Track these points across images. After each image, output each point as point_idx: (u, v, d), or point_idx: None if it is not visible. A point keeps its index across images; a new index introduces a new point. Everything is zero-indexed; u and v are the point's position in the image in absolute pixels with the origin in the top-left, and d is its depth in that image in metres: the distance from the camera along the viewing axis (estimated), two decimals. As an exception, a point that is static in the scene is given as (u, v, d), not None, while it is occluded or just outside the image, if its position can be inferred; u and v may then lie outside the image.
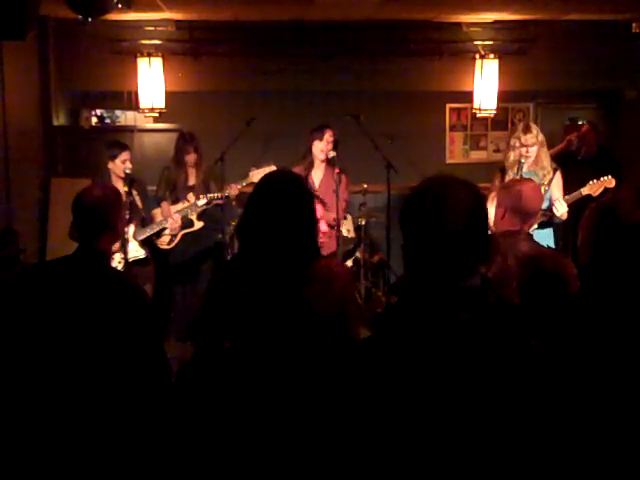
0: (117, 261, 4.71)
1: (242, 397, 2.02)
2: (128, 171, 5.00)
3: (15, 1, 4.00)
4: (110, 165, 5.11)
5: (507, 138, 4.88)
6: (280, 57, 6.85)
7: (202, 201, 5.23)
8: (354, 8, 5.94)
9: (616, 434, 2.11)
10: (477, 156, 7.47)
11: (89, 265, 2.60)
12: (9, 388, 2.52)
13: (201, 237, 5.53)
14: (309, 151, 5.31)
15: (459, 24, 6.94)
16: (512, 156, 4.67)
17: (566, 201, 4.54)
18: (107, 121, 7.91)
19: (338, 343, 2.17)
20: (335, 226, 5.03)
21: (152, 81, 6.49)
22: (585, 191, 4.54)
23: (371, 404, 1.43)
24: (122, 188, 4.90)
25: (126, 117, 7.81)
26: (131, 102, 6.72)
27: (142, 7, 5.53)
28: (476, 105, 6.89)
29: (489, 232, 1.54)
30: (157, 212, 5.37)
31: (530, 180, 3.64)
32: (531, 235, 3.43)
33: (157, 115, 6.63)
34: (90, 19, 4.43)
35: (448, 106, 7.39)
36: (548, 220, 4.43)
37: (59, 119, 6.89)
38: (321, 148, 5.22)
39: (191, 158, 5.42)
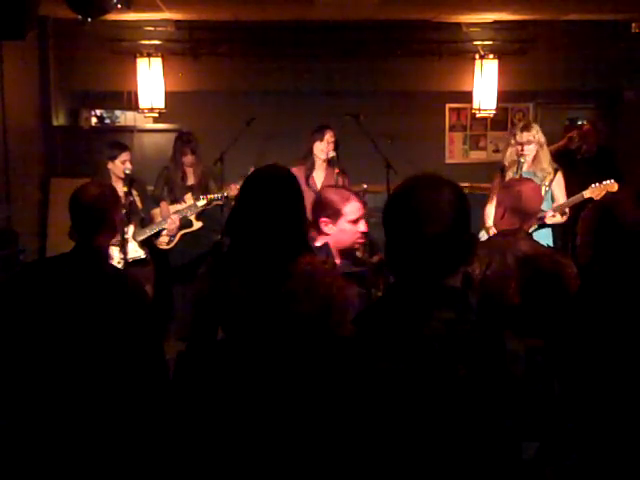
0: (116, 261, 4.71)
1: (235, 387, 2.04)
2: (128, 172, 5.00)
3: (15, 1, 4.00)
4: (110, 165, 5.12)
5: (507, 138, 4.90)
6: (280, 57, 6.84)
7: (202, 202, 5.23)
8: (354, 8, 5.94)
9: (616, 433, 2.12)
10: (476, 156, 7.47)
11: (87, 263, 2.60)
12: (6, 386, 2.52)
13: (200, 237, 5.54)
14: (310, 152, 5.31)
15: (459, 24, 6.94)
16: (509, 154, 4.69)
17: (567, 204, 4.54)
18: (107, 121, 7.91)
19: (319, 340, 2.16)
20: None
21: (152, 81, 6.49)
22: (587, 194, 4.51)
23: (347, 398, 1.44)
24: (122, 188, 4.90)
25: (126, 117, 7.80)
26: (131, 102, 6.72)
27: (142, 7, 5.53)
28: (476, 105, 6.89)
29: (472, 232, 1.54)
30: (156, 212, 5.37)
31: (530, 180, 3.64)
32: (530, 234, 3.44)
33: (157, 115, 6.64)
34: (90, 19, 4.43)
35: (448, 106, 7.39)
36: (542, 222, 4.42)
37: (59, 119, 6.90)
38: (322, 148, 5.23)
39: (188, 159, 5.45)
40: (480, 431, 1.36)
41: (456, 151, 7.50)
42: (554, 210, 4.52)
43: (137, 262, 5.02)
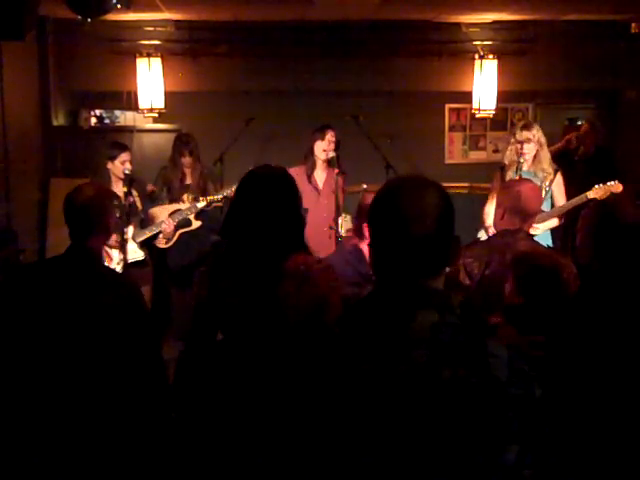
0: (116, 262, 4.71)
1: (233, 387, 2.04)
2: (128, 172, 4.99)
3: (15, 1, 4.00)
4: (109, 166, 5.12)
5: (507, 138, 4.90)
6: (280, 57, 6.85)
7: (202, 203, 5.24)
8: (354, 8, 5.94)
9: (616, 432, 2.12)
10: (476, 156, 7.47)
11: (81, 264, 2.60)
12: (3, 389, 2.52)
13: (199, 236, 5.53)
14: (311, 151, 5.31)
15: (458, 24, 6.94)
16: (509, 153, 4.69)
17: (570, 205, 4.52)
18: (106, 121, 7.91)
19: (314, 339, 2.16)
20: (334, 226, 5.03)
21: (151, 81, 6.49)
22: (591, 195, 4.48)
23: (331, 400, 1.44)
24: (122, 189, 4.90)
25: (125, 117, 7.80)
26: (130, 102, 6.71)
27: (141, 7, 5.53)
28: (475, 105, 6.89)
29: (455, 234, 1.54)
30: (154, 211, 5.36)
31: (529, 180, 3.64)
32: (530, 234, 3.43)
33: (156, 115, 6.64)
34: (89, 19, 4.43)
35: (447, 106, 7.39)
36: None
37: (58, 119, 6.89)
38: (323, 148, 5.22)
39: (186, 161, 5.46)
40: (463, 434, 1.36)
41: (456, 151, 7.50)
42: (555, 214, 4.50)
43: (136, 263, 5.02)
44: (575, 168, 6.20)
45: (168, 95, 6.58)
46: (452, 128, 7.46)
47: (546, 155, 4.66)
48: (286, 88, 6.82)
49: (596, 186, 4.52)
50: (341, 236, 5.04)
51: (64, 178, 6.33)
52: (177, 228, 5.33)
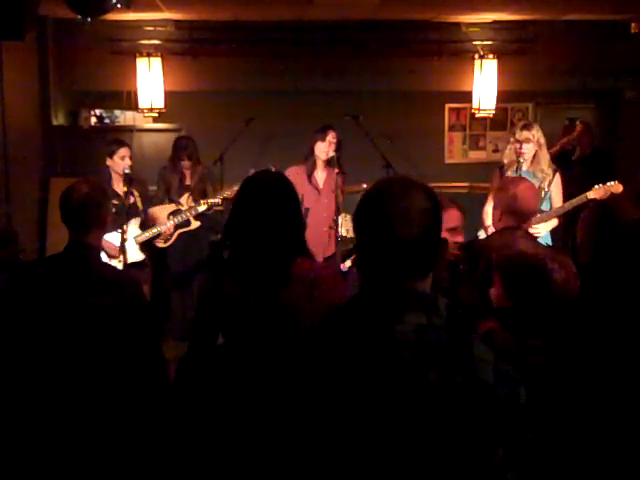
0: (115, 262, 4.70)
1: (235, 391, 2.04)
2: (127, 171, 4.97)
3: (15, 1, 4.00)
4: (109, 162, 5.10)
5: (507, 137, 4.89)
6: (280, 57, 6.84)
7: (202, 207, 5.24)
8: (354, 8, 5.94)
9: (616, 431, 2.12)
10: (476, 156, 7.47)
11: (82, 261, 2.61)
12: (4, 389, 2.52)
13: (199, 236, 5.55)
14: (311, 152, 5.30)
15: (458, 24, 6.94)
16: (508, 152, 4.69)
17: (570, 206, 4.52)
18: (106, 121, 7.91)
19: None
20: (334, 226, 5.03)
21: (151, 81, 6.49)
22: (591, 195, 4.47)
23: (318, 404, 1.45)
24: (122, 188, 4.89)
25: (125, 117, 7.80)
26: (130, 102, 6.72)
27: (141, 7, 5.53)
28: (475, 105, 6.89)
29: (442, 236, 1.54)
30: (154, 211, 5.35)
31: (524, 179, 3.59)
32: (529, 233, 3.42)
33: (156, 115, 6.64)
34: (89, 19, 4.43)
35: (447, 106, 7.40)
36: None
37: (58, 119, 6.89)
38: (323, 149, 5.21)
39: (185, 164, 5.48)
40: (449, 436, 1.37)
41: (455, 151, 7.50)
42: (554, 215, 4.50)
43: (135, 264, 5.01)
44: (573, 169, 6.21)
45: (168, 95, 6.58)
46: (452, 128, 7.46)
47: (545, 156, 4.66)
48: (286, 88, 6.82)
49: (596, 186, 4.51)
50: (341, 236, 5.05)
51: (64, 178, 6.31)
52: (176, 228, 5.34)
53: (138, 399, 2.51)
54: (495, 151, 7.32)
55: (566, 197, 4.65)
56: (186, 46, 6.78)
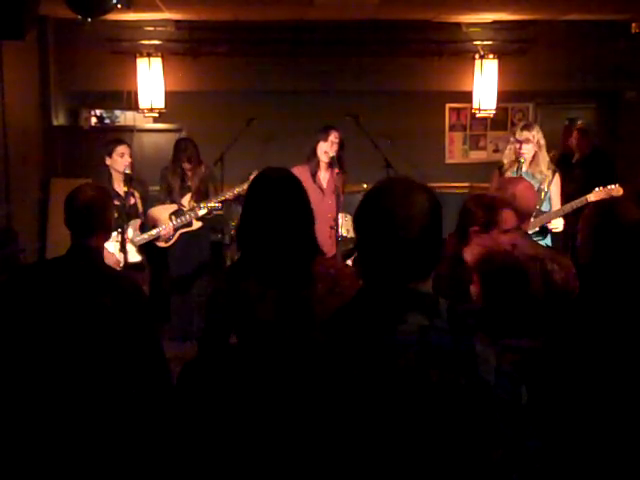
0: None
1: (250, 392, 2.03)
2: (127, 171, 4.96)
3: (15, 1, 4.00)
4: (108, 161, 5.06)
5: (507, 137, 4.89)
6: (280, 57, 6.85)
7: (203, 211, 5.25)
8: (354, 8, 5.94)
9: (615, 431, 2.12)
10: (476, 156, 7.47)
11: (85, 264, 2.61)
12: (5, 389, 2.52)
13: (200, 236, 5.55)
14: (313, 152, 5.29)
15: (459, 24, 6.94)
16: (508, 152, 4.69)
17: (570, 208, 4.50)
18: (107, 121, 7.91)
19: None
20: (334, 226, 5.03)
21: (151, 81, 6.50)
22: (591, 198, 4.43)
23: (323, 405, 1.45)
24: (122, 188, 4.89)
25: (125, 117, 7.81)
26: (131, 102, 6.72)
27: (142, 7, 5.53)
28: (475, 105, 6.89)
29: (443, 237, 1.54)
30: (154, 211, 5.35)
31: (522, 179, 3.58)
32: (529, 234, 3.41)
33: (157, 115, 6.64)
34: (90, 19, 4.43)
35: (448, 106, 7.40)
36: (542, 231, 4.38)
37: (59, 119, 6.90)
38: (325, 149, 5.19)
39: (185, 166, 5.48)
40: (451, 436, 1.37)
41: (456, 151, 7.50)
42: (554, 216, 4.49)
43: (133, 266, 5.00)
44: (572, 171, 6.21)
45: (168, 95, 6.58)
46: (452, 128, 7.46)
47: (545, 157, 4.65)
48: (286, 88, 6.82)
49: (596, 189, 4.50)
50: (341, 236, 5.05)
51: (64, 178, 6.33)
52: (177, 229, 5.34)
53: (139, 399, 2.51)
54: (495, 151, 7.32)
55: (565, 198, 4.64)
56: (186, 46, 6.79)
